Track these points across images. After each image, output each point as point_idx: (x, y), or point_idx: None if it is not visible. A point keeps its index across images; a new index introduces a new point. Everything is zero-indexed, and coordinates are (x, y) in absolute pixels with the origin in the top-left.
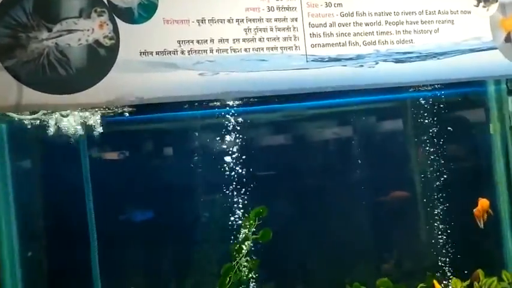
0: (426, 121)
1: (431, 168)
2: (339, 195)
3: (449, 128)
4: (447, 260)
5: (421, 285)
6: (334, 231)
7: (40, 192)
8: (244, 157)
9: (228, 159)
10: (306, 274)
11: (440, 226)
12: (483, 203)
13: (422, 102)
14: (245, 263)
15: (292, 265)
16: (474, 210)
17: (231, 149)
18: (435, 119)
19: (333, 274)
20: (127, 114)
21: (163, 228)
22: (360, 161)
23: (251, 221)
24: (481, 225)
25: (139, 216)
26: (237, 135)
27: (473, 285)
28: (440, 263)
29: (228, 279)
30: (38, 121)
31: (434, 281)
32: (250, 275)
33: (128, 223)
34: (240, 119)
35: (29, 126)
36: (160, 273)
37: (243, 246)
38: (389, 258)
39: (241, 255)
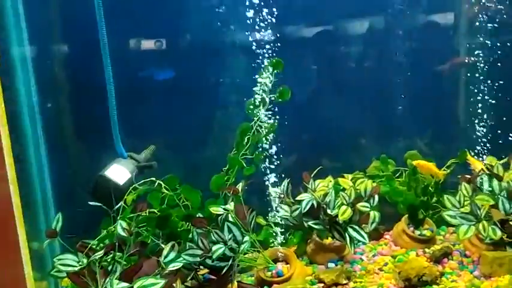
0: None
1: None
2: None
3: None
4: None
5: (452, 160)
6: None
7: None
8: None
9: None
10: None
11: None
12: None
13: None
14: (262, 123)
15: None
16: None
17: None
18: None
19: (362, 147)
20: None
21: (184, 88)
22: None
23: (266, 72)
24: None
25: (160, 75)
26: None
27: (510, 165)
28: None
29: (245, 139)
30: None
31: (468, 155)
32: (269, 137)
33: (148, 80)
34: None
35: None
36: (179, 132)
37: (260, 101)
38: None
39: (258, 112)
